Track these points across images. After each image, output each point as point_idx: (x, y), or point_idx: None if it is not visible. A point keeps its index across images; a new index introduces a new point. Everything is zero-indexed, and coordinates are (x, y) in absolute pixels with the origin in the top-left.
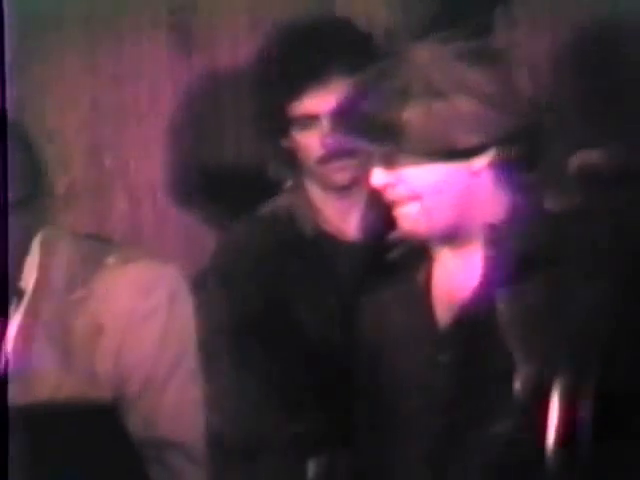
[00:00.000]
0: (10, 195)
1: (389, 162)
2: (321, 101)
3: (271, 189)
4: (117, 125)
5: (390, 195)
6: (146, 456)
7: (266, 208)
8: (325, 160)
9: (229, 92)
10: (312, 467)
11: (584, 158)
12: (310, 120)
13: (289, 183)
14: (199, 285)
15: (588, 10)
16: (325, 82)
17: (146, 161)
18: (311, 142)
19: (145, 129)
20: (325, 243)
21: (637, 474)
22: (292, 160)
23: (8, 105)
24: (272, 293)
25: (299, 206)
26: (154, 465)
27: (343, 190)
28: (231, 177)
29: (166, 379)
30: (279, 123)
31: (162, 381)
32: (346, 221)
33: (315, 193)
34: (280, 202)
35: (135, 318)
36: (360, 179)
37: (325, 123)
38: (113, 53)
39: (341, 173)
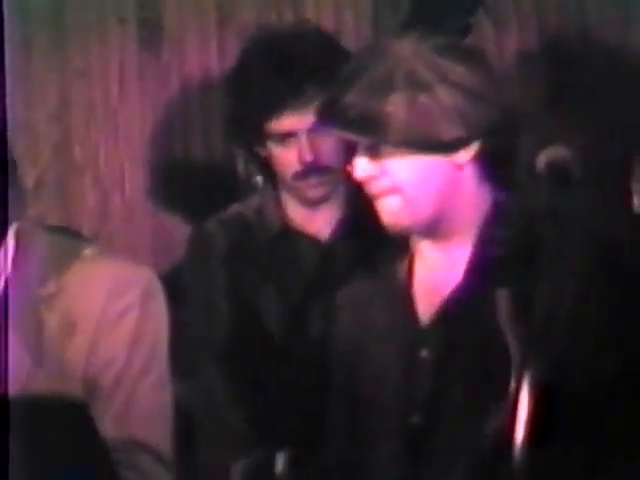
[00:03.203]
0: None
1: (373, 153)
2: (300, 119)
3: (239, 187)
4: (86, 119)
5: (373, 187)
6: (116, 457)
7: (235, 208)
8: (301, 176)
9: (199, 89)
10: (280, 461)
11: (552, 154)
12: (288, 137)
13: (259, 184)
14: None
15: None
16: (304, 101)
17: (115, 154)
18: (288, 157)
19: (114, 123)
20: (292, 240)
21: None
22: (265, 167)
23: None
24: (240, 293)
25: (268, 207)
26: (123, 466)
27: (315, 204)
28: (200, 173)
29: (137, 379)
30: (255, 135)
31: (133, 381)
32: (314, 224)
33: (286, 200)
34: (250, 203)
35: (108, 317)
36: (331, 194)
37: (302, 139)
38: (81, 48)
39: (315, 189)
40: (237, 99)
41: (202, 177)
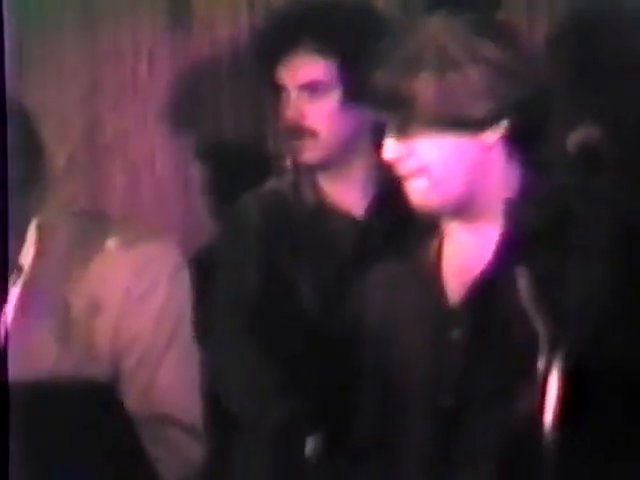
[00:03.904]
0: (10, 172)
1: (401, 132)
2: (290, 72)
3: (270, 168)
4: (116, 100)
5: (401, 168)
6: (144, 433)
7: (272, 183)
8: (289, 137)
9: (228, 67)
10: (310, 444)
11: (582, 135)
12: (283, 94)
13: (289, 166)
14: (200, 261)
15: None
16: (295, 54)
17: (145, 136)
18: (283, 114)
19: (144, 104)
20: (327, 217)
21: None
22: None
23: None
24: (274, 269)
25: (302, 182)
26: (152, 441)
27: (327, 170)
28: (230, 153)
29: (162, 354)
30: (269, 96)
31: (158, 356)
32: (347, 197)
33: (321, 175)
34: (286, 177)
35: (132, 296)
36: (348, 159)
37: (293, 96)
38: (111, 28)
39: (306, 153)
40: (255, 55)
41: (233, 157)
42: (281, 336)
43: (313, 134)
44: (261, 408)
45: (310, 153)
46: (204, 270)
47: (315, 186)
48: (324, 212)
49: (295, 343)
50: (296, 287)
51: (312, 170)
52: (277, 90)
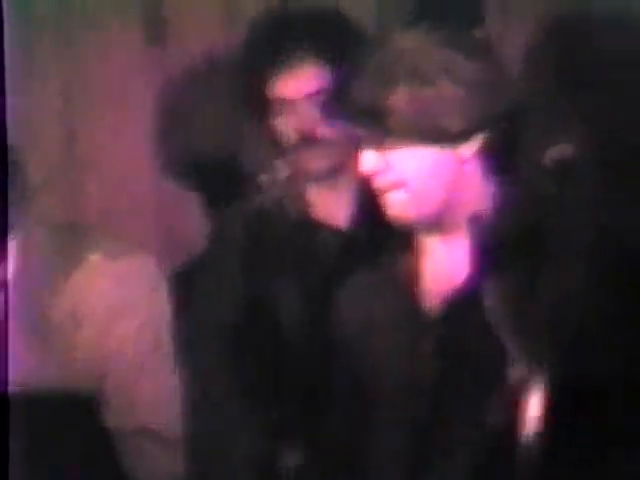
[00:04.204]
0: None
1: (378, 147)
2: (293, 85)
3: (247, 180)
4: (90, 112)
5: (378, 182)
6: (125, 446)
7: (257, 198)
8: (298, 147)
9: (204, 78)
10: (285, 453)
11: (558, 152)
12: (285, 105)
13: (267, 175)
14: (180, 276)
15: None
16: (296, 66)
17: (121, 150)
18: (286, 128)
19: (120, 118)
20: (311, 230)
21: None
22: (274, 149)
23: None
24: (255, 283)
25: (287, 195)
26: (133, 454)
27: (325, 179)
28: (207, 166)
29: (142, 369)
30: (259, 104)
31: (138, 370)
32: (334, 209)
33: (301, 182)
34: (270, 193)
35: (113, 311)
36: (342, 167)
37: (299, 108)
38: (87, 43)
39: (315, 161)
40: (241, 68)
41: (210, 172)
42: (261, 352)
43: (325, 142)
44: (237, 419)
45: (320, 161)
46: (183, 285)
47: (301, 199)
48: (308, 225)
49: (276, 358)
50: (279, 301)
51: (308, 181)
52: (264, 104)
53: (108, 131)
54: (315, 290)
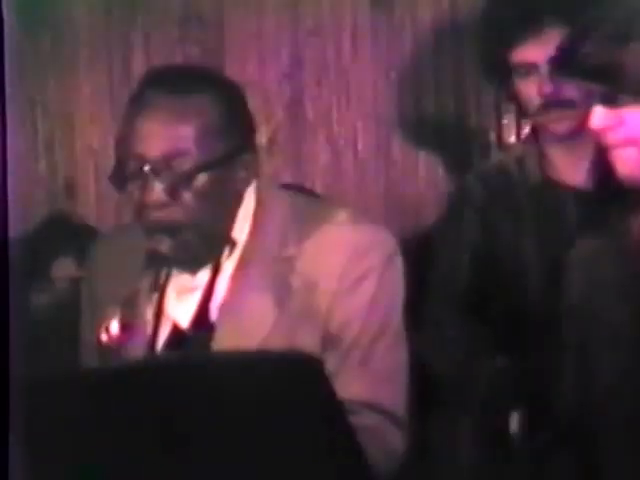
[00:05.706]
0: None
1: (610, 103)
2: (540, 50)
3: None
4: (318, 78)
5: (609, 138)
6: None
7: (497, 158)
8: (542, 109)
9: (430, 47)
10: (514, 420)
11: None
12: (529, 69)
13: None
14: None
15: None
16: (540, 31)
17: (347, 113)
18: (530, 91)
19: (346, 82)
20: (551, 190)
21: None
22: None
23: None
24: (494, 246)
25: (528, 155)
26: (356, 428)
27: (568, 140)
28: (433, 130)
29: (373, 341)
30: (502, 68)
31: (369, 342)
32: (573, 170)
33: (543, 142)
34: (511, 152)
35: (348, 279)
36: (582, 129)
37: (543, 71)
38: (313, 7)
39: (560, 123)
40: (482, 34)
41: (436, 134)
42: (497, 313)
43: (572, 105)
44: (470, 367)
45: (563, 123)
46: (417, 255)
47: (542, 159)
48: (548, 185)
49: (515, 320)
50: (518, 262)
51: (548, 142)
52: (507, 68)
53: (333, 95)
54: (554, 251)
